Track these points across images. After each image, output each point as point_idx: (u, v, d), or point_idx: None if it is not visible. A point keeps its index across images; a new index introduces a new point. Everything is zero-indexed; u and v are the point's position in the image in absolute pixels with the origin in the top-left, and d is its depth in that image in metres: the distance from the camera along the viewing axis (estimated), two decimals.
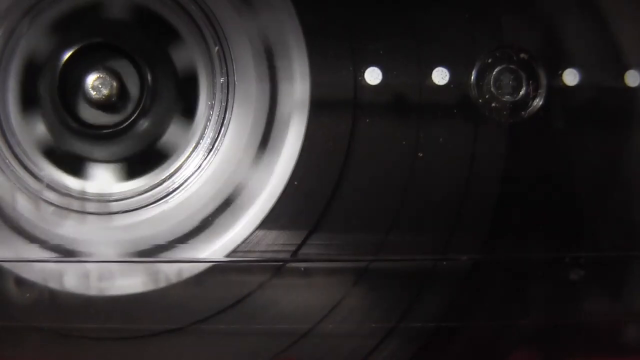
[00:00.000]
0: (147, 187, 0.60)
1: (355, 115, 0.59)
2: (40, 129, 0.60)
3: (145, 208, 0.60)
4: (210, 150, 0.60)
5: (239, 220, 0.59)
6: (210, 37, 0.60)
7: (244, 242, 0.59)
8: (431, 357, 0.60)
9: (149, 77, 0.60)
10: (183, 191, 0.60)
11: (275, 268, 0.58)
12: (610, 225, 0.60)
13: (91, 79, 0.60)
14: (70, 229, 0.59)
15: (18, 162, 0.60)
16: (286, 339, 0.59)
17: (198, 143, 0.60)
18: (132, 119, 0.60)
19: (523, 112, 0.59)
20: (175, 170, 0.60)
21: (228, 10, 0.59)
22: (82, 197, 0.59)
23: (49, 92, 0.60)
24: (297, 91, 0.59)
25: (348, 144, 0.59)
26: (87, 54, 0.60)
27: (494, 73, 0.59)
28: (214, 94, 0.60)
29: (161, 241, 0.59)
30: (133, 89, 0.61)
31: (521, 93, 0.59)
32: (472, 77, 0.59)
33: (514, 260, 0.60)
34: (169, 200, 0.60)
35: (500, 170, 0.60)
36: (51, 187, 0.59)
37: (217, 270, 0.58)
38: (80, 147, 0.61)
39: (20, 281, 0.58)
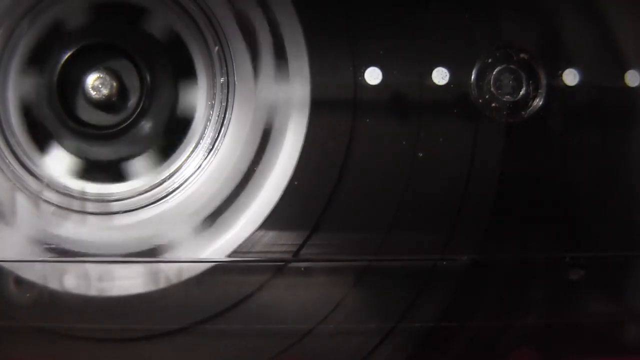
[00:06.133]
0: (147, 187, 0.60)
1: (355, 115, 0.59)
2: (40, 129, 0.60)
3: (145, 208, 0.59)
4: (210, 150, 0.60)
5: (240, 220, 0.59)
6: (210, 37, 0.60)
7: (244, 242, 0.59)
8: (431, 357, 0.60)
9: (149, 77, 0.60)
10: (183, 191, 0.60)
11: (275, 268, 0.58)
12: (610, 225, 0.60)
13: (91, 79, 0.60)
14: (70, 229, 0.59)
15: (18, 162, 0.60)
16: (286, 339, 0.59)
17: (198, 143, 0.60)
18: (132, 119, 0.60)
19: (523, 112, 0.59)
20: (175, 170, 0.60)
21: (228, 10, 0.59)
22: (82, 197, 0.59)
23: (48, 92, 0.60)
24: (297, 91, 0.59)
25: (348, 144, 0.59)
26: (87, 54, 0.60)
27: (494, 73, 0.59)
28: (214, 94, 0.60)
29: (161, 241, 0.59)
30: (133, 89, 0.61)
31: (521, 93, 0.59)
32: (472, 77, 0.59)
33: (514, 260, 0.60)
34: (169, 200, 0.60)
35: (500, 170, 0.60)
36: (51, 187, 0.59)
37: (217, 270, 0.58)
38: (80, 147, 0.61)
39: (20, 281, 0.58)
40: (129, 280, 0.58)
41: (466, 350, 0.60)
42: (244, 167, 0.59)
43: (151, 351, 0.58)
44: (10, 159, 0.59)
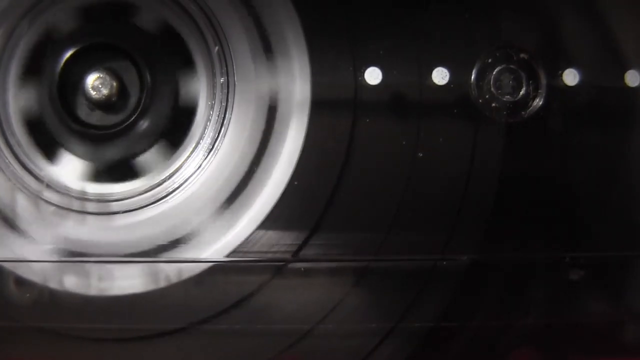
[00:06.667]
0: (147, 187, 0.60)
1: (355, 115, 0.59)
2: (40, 129, 0.60)
3: (145, 208, 0.60)
4: (210, 150, 0.60)
5: (239, 220, 0.59)
6: (210, 37, 0.60)
7: (244, 242, 0.59)
8: (431, 357, 0.60)
9: (149, 77, 0.60)
10: (183, 191, 0.60)
11: (275, 268, 0.58)
12: (610, 225, 0.60)
13: (91, 79, 0.60)
14: (70, 229, 0.59)
15: (18, 162, 0.60)
16: (286, 339, 0.59)
17: (198, 143, 0.60)
18: (132, 119, 0.60)
19: (523, 112, 0.59)
20: (175, 170, 0.60)
21: (228, 10, 0.59)
22: (82, 197, 0.59)
23: (48, 92, 0.60)
24: (297, 91, 0.59)
25: (348, 144, 0.59)
26: (87, 54, 0.60)
27: (494, 73, 0.59)
28: (214, 94, 0.60)
29: (161, 241, 0.59)
30: (133, 89, 0.61)
31: (521, 93, 0.59)
32: (472, 77, 0.59)
33: (513, 260, 0.60)
34: (169, 200, 0.60)
35: (500, 170, 0.60)
36: (51, 187, 0.59)
37: (217, 270, 0.58)
38: (80, 147, 0.61)
39: (20, 281, 0.58)
40: (129, 280, 0.58)
41: (466, 350, 0.60)
42: (244, 167, 0.59)
43: (151, 351, 0.58)
44: (10, 159, 0.60)
